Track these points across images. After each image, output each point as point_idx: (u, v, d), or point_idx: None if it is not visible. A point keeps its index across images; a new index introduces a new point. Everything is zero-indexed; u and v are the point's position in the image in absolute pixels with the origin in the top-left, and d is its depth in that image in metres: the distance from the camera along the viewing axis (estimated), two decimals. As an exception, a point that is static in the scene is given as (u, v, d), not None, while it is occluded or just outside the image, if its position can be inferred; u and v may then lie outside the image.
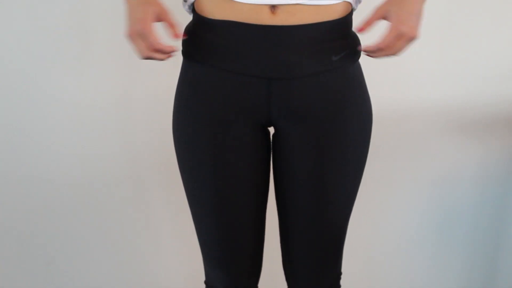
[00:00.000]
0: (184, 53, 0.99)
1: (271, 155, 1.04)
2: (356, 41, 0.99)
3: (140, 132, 1.56)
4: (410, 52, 1.51)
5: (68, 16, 1.44)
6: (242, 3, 0.88)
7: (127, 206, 1.64)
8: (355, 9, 0.97)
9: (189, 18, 1.01)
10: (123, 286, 1.71)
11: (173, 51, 0.90)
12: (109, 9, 1.44)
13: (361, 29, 0.92)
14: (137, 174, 1.61)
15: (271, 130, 1.03)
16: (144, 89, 1.52)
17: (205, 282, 1.16)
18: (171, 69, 1.14)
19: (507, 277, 1.71)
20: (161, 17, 0.90)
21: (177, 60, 1.02)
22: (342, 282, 1.16)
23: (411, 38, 0.89)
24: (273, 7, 0.88)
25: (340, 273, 1.14)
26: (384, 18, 0.90)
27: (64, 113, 1.51)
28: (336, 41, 0.93)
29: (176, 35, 0.90)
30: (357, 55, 0.99)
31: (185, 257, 1.69)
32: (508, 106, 1.57)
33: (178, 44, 0.95)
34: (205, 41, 0.93)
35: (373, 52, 0.91)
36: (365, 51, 0.92)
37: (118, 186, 1.60)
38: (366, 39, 1.04)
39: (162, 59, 0.91)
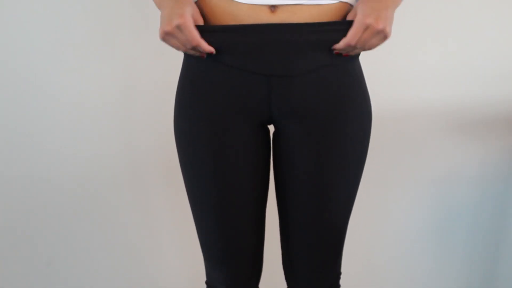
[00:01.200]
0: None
1: (271, 153, 1.04)
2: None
3: (141, 132, 1.56)
4: (410, 52, 1.52)
5: (69, 15, 1.44)
6: (241, 3, 0.88)
7: (128, 206, 1.64)
8: None
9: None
10: (123, 286, 1.71)
11: (212, 52, 0.90)
12: (111, 9, 1.44)
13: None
14: (137, 174, 1.61)
15: (271, 128, 1.03)
16: (145, 88, 1.52)
17: (206, 282, 1.16)
18: (172, 67, 1.14)
19: (507, 277, 1.71)
20: (195, 19, 0.89)
21: (178, 58, 1.02)
22: (342, 282, 1.16)
23: (378, 31, 0.87)
24: (272, 7, 0.88)
25: (339, 273, 1.14)
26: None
27: (64, 113, 1.51)
28: (336, 36, 0.93)
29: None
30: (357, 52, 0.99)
31: (186, 258, 1.69)
32: (508, 106, 1.57)
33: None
34: (206, 40, 0.93)
35: (343, 50, 0.91)
36: (335, 49, 0.91)
37: (118, 186, 1.60)
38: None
39: (199, 56, 0.92)
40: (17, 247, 1.62)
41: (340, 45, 0.90)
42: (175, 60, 1.09)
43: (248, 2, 0.87)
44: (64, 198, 1.59)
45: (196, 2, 0.95)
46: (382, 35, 0.88)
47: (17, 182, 1.56)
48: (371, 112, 1.02)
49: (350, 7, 0.94)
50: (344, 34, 0.93)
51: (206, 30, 0.90)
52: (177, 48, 0.92)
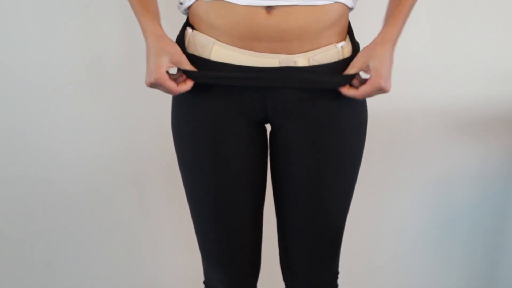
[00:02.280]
0: None
1: (268, 152, 1.04)
2: (354, 42, 0.99)
3: (141, 132, 1.56)
4: (410, 52, 1.52)
5: (69, 17, 1.44)
6: (238, 5, 0.87)
7: (128, 206, 1.64)
8: (353, 8, 0.97)
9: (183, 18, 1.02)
10: (123, 286, 1.71)
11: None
12: (110, 10, 1.44)
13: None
14: (137, 174, 1.61)
15: (268, 127, 1.03)
16: (144, 88, 1.52)
17: (204, 282, 1.16)
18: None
19: (507, 277, 1.70)
20: (176, 61, 0.92)
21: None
22: (342, 282, 1.16)
23: (385, 92, 0.94)
24: (269, 8, 0.87)
25: (337, 272, 1.14)
26: (364, 70, 0.94)
27: (64, 113, 1.51)
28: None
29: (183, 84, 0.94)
30: (356, 52, 0.99)
31: (185, 258, 1.69)
32: (508, 106, 1.57)
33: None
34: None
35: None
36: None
37: (118, 187, 1.60)
38: (366, 38, 1.05)
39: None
40: (17, 247, 1.63)
41: (346, 93, 0.94)
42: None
43: (244, 4, 0.87)
44: (64, 198, 1.59)
45: (190, 6, 0.95)
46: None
47: (17, 183, 1.56)
48: (367, 111, 1.02)
49: (345, 7, 0.94)
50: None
51: (200, 76, 0.93)
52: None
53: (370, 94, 0.93)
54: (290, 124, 0.96)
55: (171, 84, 0.92)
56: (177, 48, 0.92)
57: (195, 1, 0.93)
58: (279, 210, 1.08)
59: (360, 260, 1.71)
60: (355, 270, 1.67)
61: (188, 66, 0.93)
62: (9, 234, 1.61)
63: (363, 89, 0.92)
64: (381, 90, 0.93)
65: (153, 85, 0.94)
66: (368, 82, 0.92)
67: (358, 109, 0.99)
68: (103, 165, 1.57)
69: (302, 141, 0.97)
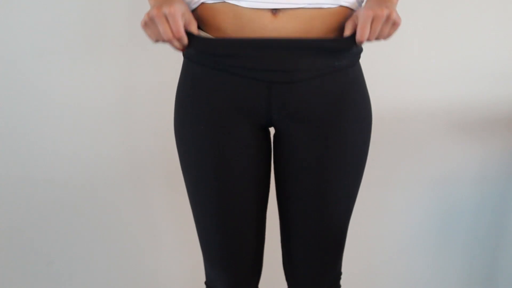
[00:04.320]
0: (184, 53, 0.99)
1: (272, 155, 1.04)
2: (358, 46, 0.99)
3: (142, 133, 1.56)
4: (411, 52, 1.52)
5: (68, 16, 1.43)
6: (244, 7, 0.87)
7: (128, 206, 1.64)
8: None
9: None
10: (123, 286, 1.71)
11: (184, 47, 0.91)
12: (109, 9, 1.44)
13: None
14: (138, 174, 1.61)
15: (272, 130, 1.03)
16: (145, 89, 1.52)
17: (206, 283, 1.16)
18: (172, 68, 1.14)
19: (507, 277, 1.71)
20: (188, 19, 0.89)
21: (178, 59, 1.02)
22: (342, 282, 1.16)
23: (384, 18, 0.85)
24: (274, 11, 0.87)
25: (340, 273, 1.14)
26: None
27: (64, 114, 1.51)
28: (337, 44, 0.93)
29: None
30: (358, 56, 0.99)
31: (186, 258, 1.70)
32: (508, 106, 1.57)
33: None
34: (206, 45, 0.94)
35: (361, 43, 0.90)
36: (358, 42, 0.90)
37: (118, 187, 1.60)
38: (367, 44, 1.05)
39: (177, 48, 0.91)
40: (17, 247, 1.62)
41: (358, 41, 0.88)
42: (175, 61, 1.09)
43: (250, 6, 0.87)
44: (65, 199, 1.59)
45: (195, 9, 0.95)
46: (391, 22, 0.86)
47: (18, 183, 1.56)
48: (371, 113, 1.02)
49: (350, 11, 0.94)
50: (344, 39, 0.93)
51: (211, 43, 0.91)
52: (155, 39, 0.89)
53: (370, 29, 0.86)
54: (294, 126, 0.96)
55: (181, 23, 0.86)
56: (189, 11, 0.90)
57: (200, 4, 0.92)
58: (282, 211, 1.08)
59: (361, 260, 1.72)
60: (356, 270, 1.67)
61: (195, 31, 0.90)
62: (9, 234, 1.61)
63: (358, 29, 0.86)
64: (378, 19, 0.85)
65: (158, 18, 0.85)
66: (360, 19, 0.87)
67: (362, 113, 0.99)
68: (104, 165, 1.57)
69: (306, 143, 0.96)
